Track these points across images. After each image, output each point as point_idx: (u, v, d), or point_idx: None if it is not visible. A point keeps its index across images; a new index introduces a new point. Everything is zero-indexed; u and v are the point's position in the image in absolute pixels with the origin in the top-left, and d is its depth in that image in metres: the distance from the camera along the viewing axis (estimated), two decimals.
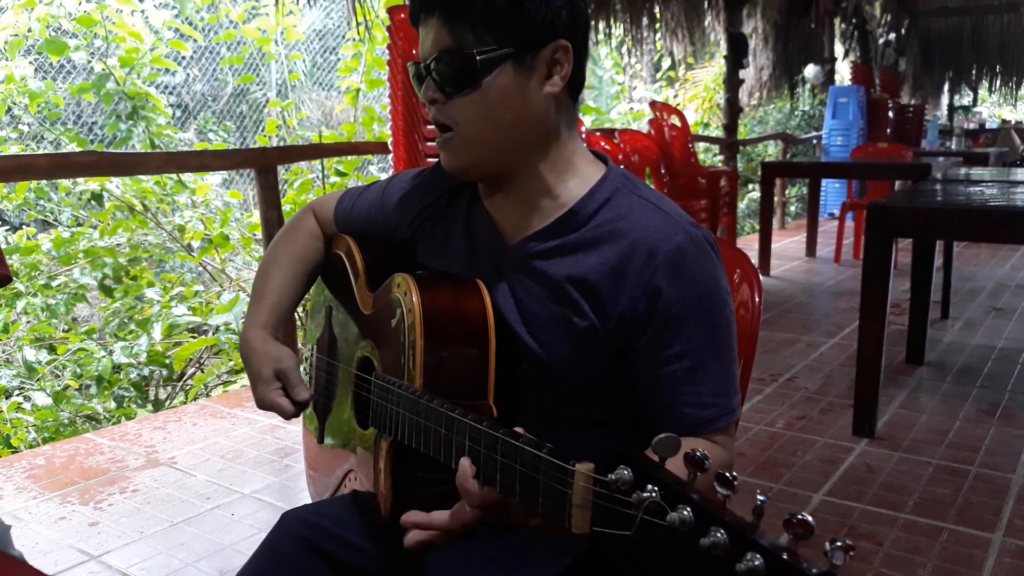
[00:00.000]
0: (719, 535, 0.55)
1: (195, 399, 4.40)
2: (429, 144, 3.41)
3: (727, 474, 0.59)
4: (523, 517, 0.84)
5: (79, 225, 5.05)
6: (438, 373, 0.97)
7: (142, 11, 5.30)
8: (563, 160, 1.03)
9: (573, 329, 0.99)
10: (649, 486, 0.62)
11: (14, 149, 5.07)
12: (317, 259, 1.27)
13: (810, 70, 9.35)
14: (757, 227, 6.78)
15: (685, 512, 0.58)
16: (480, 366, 0.98)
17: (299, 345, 3.52)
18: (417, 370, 0.96)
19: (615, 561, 0.65)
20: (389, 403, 0.99)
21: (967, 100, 13.65)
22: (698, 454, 0.62)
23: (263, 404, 1.13)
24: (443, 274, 1.08)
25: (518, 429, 0.82)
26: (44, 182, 4.83)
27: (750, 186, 10.61)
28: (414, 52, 3.23)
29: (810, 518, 0.54)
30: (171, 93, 7.46)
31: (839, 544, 0.52)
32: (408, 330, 0.98)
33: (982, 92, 13.42)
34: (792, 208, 10.15)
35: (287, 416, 1.13)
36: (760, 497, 0.57)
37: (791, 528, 0.54)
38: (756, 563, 0.53)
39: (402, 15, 3.33)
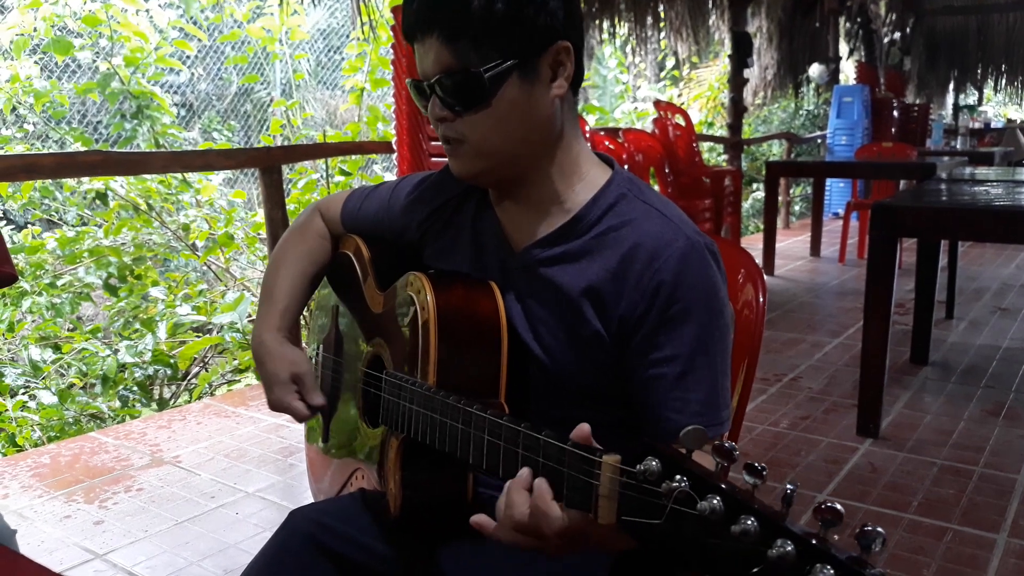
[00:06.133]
0: (749, 523, 0.57)
1: (199, 398, 4.41)
2: (433, 143, 3.42)
3: (756, 464, 0.60)
4: (610, 544, 0.79)
5: (84, 224, 5.07)
6: (451, 371, 0.97)
7: (147, 11, 5.31)
8: (569, 162, 1.02)
9: (579, 336, 0.99)
10: (678, 476, 0.63)
11: (19, 148, 5.09)
12: (325, 260, 1.27)
13: (815, 69, 9.34)
14: (761, 226, 6.78)
15: (715, 501, 0.59)
16: (492, 364, 0.99)
17: (303, 344, 3.52)
18: (431, 367, 0.97)
19: (636, 562, 0.66)
20: (402, 400, 0.99)
21: (972, 99, 13.61)
22: (727, 445, 0.63)
23: (278, 406, 1.14)
24: (456, 274, 1.09)
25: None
26: (49, 181, 4.85)
27: (754, 185, 10.60)
28: None
29: (839, 505, 0.55)
30: (176, 92, 7.48)
31: (868, 529, 0.53)
32: (422, 328, 0.98)
33: (987, 91, 13.40)
34: (796, 207, 10.14)
35: (301, 419, 1.15)
36: (789, 486, 0.58)
37: (821, 515, 0.55)
38: (787, 548, 0.54)
39: None
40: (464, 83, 0.94)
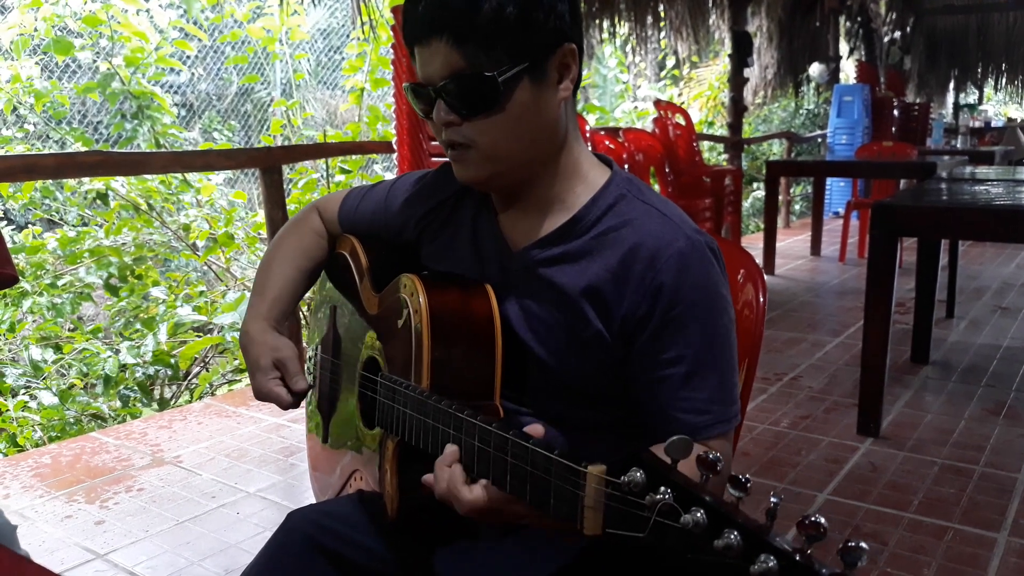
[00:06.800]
0: (732, 537, 0.56)
1: (200, 398, 4.42)
2: (433, 143, 3.42)
3: (740, 476, 0.59)
4: (526, 519, 0.84)
5: (84, 224, 5.07)
6: (445, 373, 0.97)
7: (147, 11, 5.32)
8: (571, 163, 1.02)
9: (579, 336, 0.99)
10: (662, 488, 0.62)
11: (20, 149, 5.09)
12: (321, 256, 1.27)
13: (815, 68, 9.34)
14: (762, 226, 6.77)
15: (698, 514, 0.59)
16: (486, 366, 0.99)
17: (303, 344, 3.52)
18: (424, 370, 0.97)
19: (626, 561, 0.66)
20: (396, 403, 0.99)
21: (972, 98, 13.62)
22: (711, 456, 0.62)
23: (261, 394, 1.12)
24: (449, 275, 1.08)
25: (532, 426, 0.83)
26: (50, 181, 4.85)
27: (755, 185, 10.60)
28: None
29: (823, 519, 0.54)
30: (176, 92, 7.48)
31: (852, 545, 0.52)
32: (415, 330, 0.98)
33: (987, 90, 13.41)
34: (797, 207, 10.14)
35: (284, 406, 1.11)
36: (773, 499, 0.57)
37: (804, 530, 0.54)
38: (770, 564, 0.53)
39: None
40: (476, 87, 0.92)
